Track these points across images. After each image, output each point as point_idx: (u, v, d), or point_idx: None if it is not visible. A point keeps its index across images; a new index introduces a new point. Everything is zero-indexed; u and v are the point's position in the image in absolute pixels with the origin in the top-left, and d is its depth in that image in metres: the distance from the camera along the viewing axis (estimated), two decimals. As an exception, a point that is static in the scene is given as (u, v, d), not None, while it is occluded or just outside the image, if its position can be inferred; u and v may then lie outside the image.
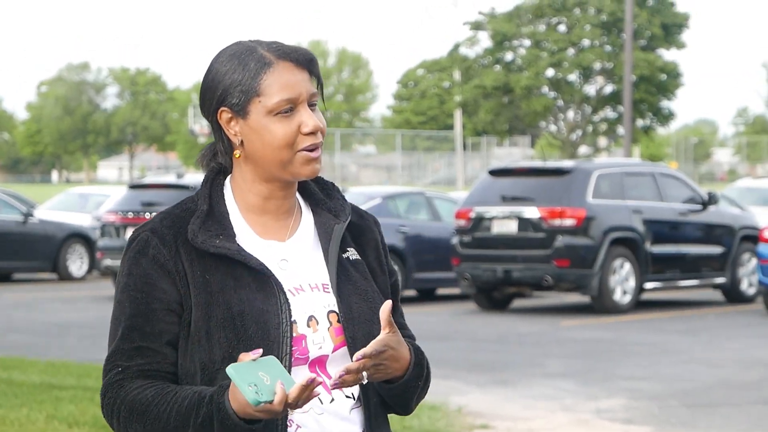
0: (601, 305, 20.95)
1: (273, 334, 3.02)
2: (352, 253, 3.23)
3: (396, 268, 22.24)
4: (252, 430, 2.93)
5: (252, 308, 3.03)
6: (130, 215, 24.41)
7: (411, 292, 24.04)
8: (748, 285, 23.02)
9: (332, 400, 3.09)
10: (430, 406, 11.70)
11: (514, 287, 21.74)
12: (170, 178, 26.02)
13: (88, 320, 20.06)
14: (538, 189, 21.21)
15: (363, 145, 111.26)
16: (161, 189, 25.00)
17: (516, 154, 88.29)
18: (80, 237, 28.71)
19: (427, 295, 24.51)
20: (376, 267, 3.27)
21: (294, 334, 3.05)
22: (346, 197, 3.35)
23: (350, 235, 3.25)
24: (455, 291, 23.98)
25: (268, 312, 3.03)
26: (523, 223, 20.96)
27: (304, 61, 3.13)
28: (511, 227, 21.11)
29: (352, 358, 3.04)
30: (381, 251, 3.30)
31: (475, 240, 21.37)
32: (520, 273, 20.92)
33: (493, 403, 12.46)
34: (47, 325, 19.34)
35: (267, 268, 3.08)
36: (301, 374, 3.02)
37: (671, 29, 73.00)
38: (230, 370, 2.85)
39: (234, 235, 3.10)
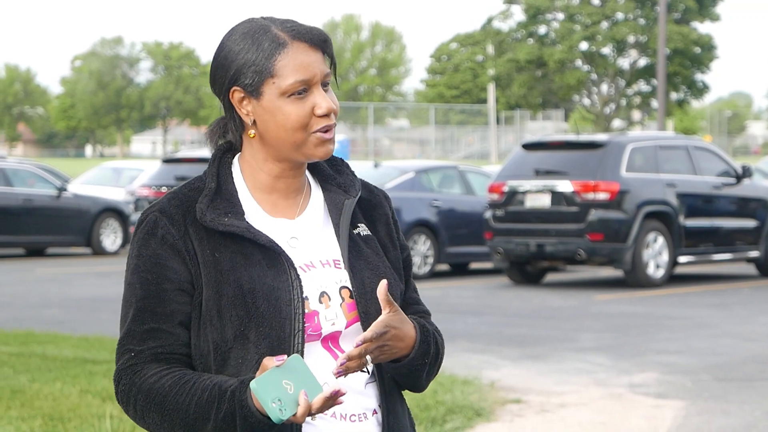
0: (635, 279, 20.92)
1: (285, 311, 3.01)
2: (363, 229, 3.20)
3: (429, 242, 22.41)
4: (273, 426, 2.92)
5: (263, 285, 3.01)
6: (164, 189, 24.47)
7: (444, 267, 24.04)
8: (782, 259, 22.95)
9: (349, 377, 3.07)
10: (463, 381, 11.70)
11: (547, 261, 21.72)
12: (204, 152, 26.04)
13: (121, 294, 20.09)
14: (571, 163, 21.17)
15: (396, 119, 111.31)
16: (195, 163, 25.07)
17: (549, 127, 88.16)
18: (114, 211, 28.78)
19: (459, 269, 24.51)
20: (387, 242, 3.24)
21: (306, 311, 3.03)
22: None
23: (361, 210, 3.23)
24: (488, 265, 23.98)
25: (279, 289, 3.02)
26: (557, 196, 20.93)
27: (319, 41, 3.09)
28: (544, 201, 21.08)
29: (363, 330, 3.05)
30: (392, 226, 3.27)
31: (508, 214, 21.35)
32: (553, 247, 20.90)
33: (526, 378, 12.45)
34: (81, 300, 19.40)
35: (277, 245, 3.06)
36: (315, 351, 3.04)
37: (705, 2, 72.69)
38: (254, 385, 2.84)
39: (243, 213, 3.07)
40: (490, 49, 78.44)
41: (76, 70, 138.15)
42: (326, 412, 2.98)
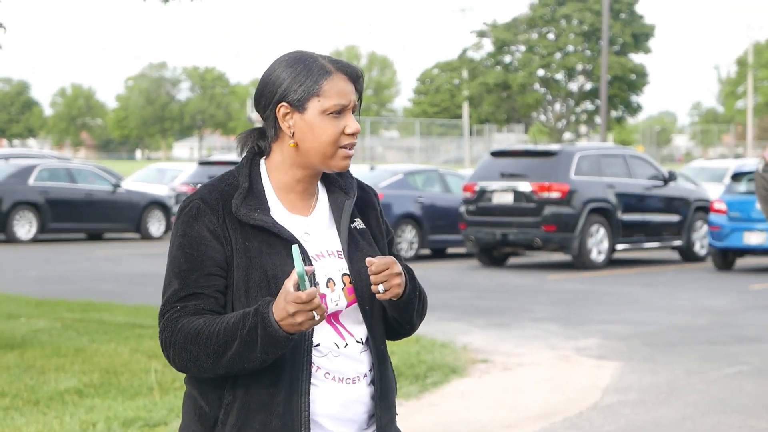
0: (580, 263, 20.92)
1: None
2: (358, 223, 3.20)
3: (414, 231, 22.38)
4: (290, 340, 2.90)
5: (284, 272, 3.00)
6: (199, 186, 24.46)
7: (426, 251, 24.03)
8: (700, 247, 22.97)
9: (346, 344, 3.08)
10: (441, 344, 11.70)
11: (510, 248, 21.71)
12: (232, 156, 26.05)
13: (164, 272, 20.09)
14: (530, 167, 21.15)
15: (388, 130, 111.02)
16: (224, 165, 25.11)
17: (512, 139, 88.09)
18: (159, 204, 28.76)
19: (439, 253, 24.50)
20: (377, 233, 3.24)
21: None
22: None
23: (357, 207, 3.23)
24: (462, 250, 23.98)
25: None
26: (518, 195, 20.92)
27: (355, 76, 3.12)
28: (508, 198, 21.06)
29: (361, 313, 3.09)
30: (380, 219, 3.27)
31: (479, 209, 21.34)
32: (514, 236, 20.89)
33: (492, 342, 12.45)
34: (131, 275, 19.39)
35: (296, 239, 3.05)
36: (322, 325, 3.04)
37: (640, 37, 72.76)
38: (296, 248, 2.85)
39: (269, 210, 3.06)
40: (465, 74, 78.38)
41: (129, 88, 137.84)
42: (327, 375, 3.01)
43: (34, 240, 26.92)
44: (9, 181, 26.73)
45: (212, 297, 3.01)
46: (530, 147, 22.37)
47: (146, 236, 28.49)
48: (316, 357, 3.03)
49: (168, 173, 34.96)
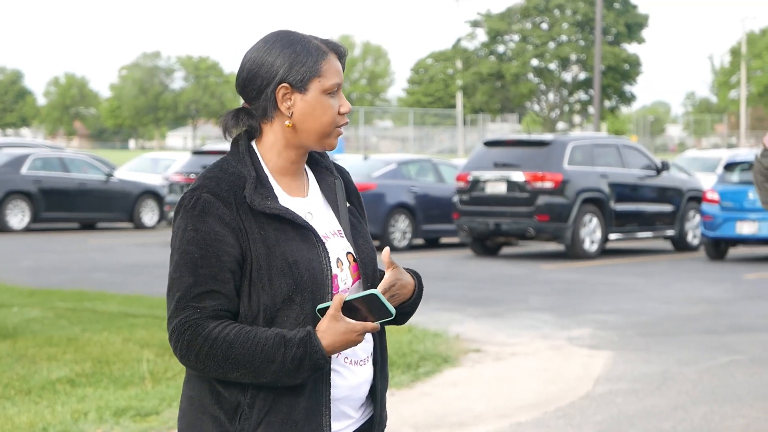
0: (574, 252, 20.92)
1: (320, 279, 3.01)
2: (347, 203, 3.24)
3: (408, 221, 22.39)
4: (327, 366, 2.97)
5: (302, 258, 3.00)
6: (193, 176, 24.46)
7: (419, 241, 24.02)
8: (692, 237, 22.98)
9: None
10: (434, 333, 11.70)
11: (503, 237, 21.71)
12: (225, 146, 25.97)
13: (157, 261, 20.08)
14: (523, 157, 21.14)
15: (382, 120, 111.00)
16: (218, 155, 25.04)
17: (506, 128, 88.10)
18: (152, 194, 28.73)
19: (432, 243, 24.49)
20: (358, 211, 3.26)
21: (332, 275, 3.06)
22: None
23: None
24: (455, 240, 23.97)
25: (313, 260, 3.01)
26: (511, 185, 20.91)
27: (343, 54, 3.15)
28: (501, 188, 21.06)
29: (363, 287, 3.12)
30: (359, 197, 3.30)
31: (472, 198, 21.33)
32: (508, 226, 20.89)
33: (485, 332, 12.45)
34: (124, 265, 19.37)
35: (309, 224, 3.05)
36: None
37: (633, 27, 72.78)
38: (376, 292, 2.93)
39: (277, 197, 3.06)
40: (459, 64, 78.39)
41: (122, 78, 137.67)
42: (345, 360, 3.08)
43: (27, 229, 26.89)
44: (2, 171, 26.69)
45: (228, 296, 2.97)
46: (523, 137, 22.35)
47: (139, 226, 28.47)
48: (334, 362, 3.08)
49: (161, 163, 34.92)
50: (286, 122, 3.05)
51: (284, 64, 3.04)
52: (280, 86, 3.04)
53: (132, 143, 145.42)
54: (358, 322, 2.94)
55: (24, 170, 26.95)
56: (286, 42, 3.07)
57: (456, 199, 21.62)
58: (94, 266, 19.02)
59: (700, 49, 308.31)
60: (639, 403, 9.08)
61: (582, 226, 20.90)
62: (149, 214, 28.67)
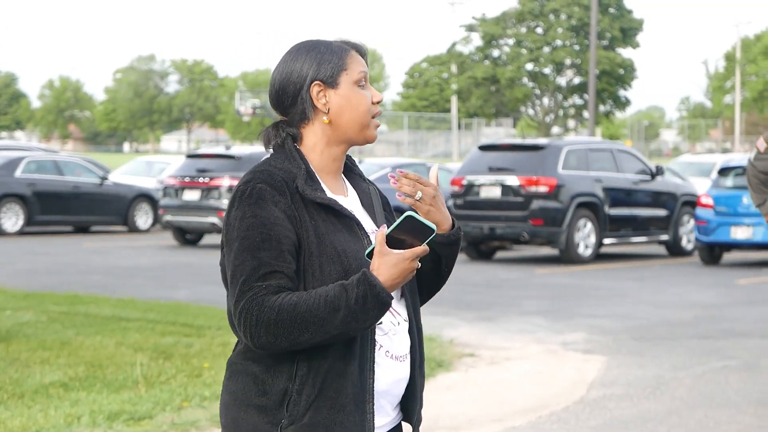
0: (568, 257, 20.92)
1: (366, 267, 3.07)
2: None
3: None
4: (390, 302, 3.00)
5: (350, 248, 3.10)
6: (187, 179, 24.40)
7: (414, 245, 23.97)
8: (687, 241, 22.99)
9: (398, 323, 3.18)
10: (428, 338, 11.68)
11: (498, 241, 21.70)
12: (220, 149, 25.95)
13: (151, 265, 20.07)
14: (518, 161, 21.14)
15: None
16: (212, 158, 25.01)
17: (501, 133, 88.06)
18: (146, 197, 28.70)
19: (426, 246, 24.44)
20: (389, 217, 3.37)
21: None
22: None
23: None
24: (450, 244, 23.92)
25: (359, 251, 3.10)
26: (506, 189, 20.91)
27: (364, 52, 3.27)
28: (495, 192, 21.06)
29: (400, 288, 3.17)
30: (389, 203, 3.42)
31: (467, 202, 21.33)
32: (502, 230, 20.89)
33: (479, 336, 12.44)
34: (118, 268, 19.34)
35: (355, 216, 3.17)
36: None
37: (628, 32, 72.87)
38: (411, 213, 3.00)
39: (324, 191, 3.15)
40: (454, 68, 78.46)
41: (117, 81, 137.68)
42: (387, 353, 3.13)
43: (21, 232, 26.86)
44: (-4, 174, 26.66)
45: (289, 277, 3.04)
46: (518, 141, 22.35)
47: (133, 229, 28.44)
48: (379, 335, 3.13)
49: (156, 166, 34.89)
50: (324, 119, 3.17)
51: (312, 66, 3.17)
52: (314, 84, 3.16)
53: (126, 146, 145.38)
54: (406, 249, 3.00)
55: (18, 173, 26.92)
56: (308, 47, 3.21)
57: (450, 203, 21.61)
58: (88, 270, 18.99)
59: (695, 53, 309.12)
60: (633, 407, 9.08)
61: (576, 231, 20.90)
62: (143, 218, 28.65)
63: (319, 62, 3.16)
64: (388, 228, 3.03)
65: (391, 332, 3.15)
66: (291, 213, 3.07)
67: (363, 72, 3.19)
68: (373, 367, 3.09)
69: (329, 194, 3.17)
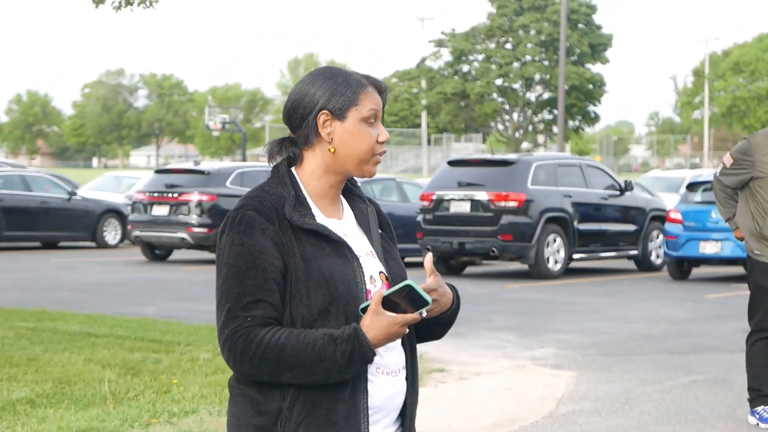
0: (537, 272, 20.97)
1: (354, 291, 3.18)
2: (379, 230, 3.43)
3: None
4: (372, 360, 3.11)
5: (338, 272, 3.18)
6: (156, 195, 24.34)
7: (383, 260, 23.98)
8: (656, 257, 23.09)
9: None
10: (397, 353, 11.67)
11: (467, 257, 21.74)
12: (189, 165, 25.90)
13: (120, 280, 20.00)
14: (487, 177, 21.18)
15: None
16: (181, 173, 24.94)
17: (470, 148, 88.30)
18: (115, 212, 28.60)
19: (396, 262, 24.44)
20: (391, 238, 3.46)
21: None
22: None
23: None
24: (419, 259, 23.97)
25: (348, 274, 3.18)
26: (475, 204, 20.95)
27: (382, 90, 3.33)
28: (465, 208, 21.09)
29: None
30: (389, 224, 3.49)
31: (436, 218, 21.36)
32: (471, 245, 20.92)
33: (449, 351, 12.44)
34: (86, 284, 19.26)
35: (345, 241, 3.23)
36: None
37: (597, 48, 73.18)
38: (411, 283, 3.10)
39: (314, 216, 3.24)
40: (423, 83, 78.57)
41: (86, 95, 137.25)
42: (378, 369, 3.22)
43: (-11, 248, 26.70)
44: (-37, 189, 26.50)
45: (274, 305, 3.14)
46: (487, 156, 22.40)
47: (102, 245, 28.33)
48: (370, 373, 3.23)
49: (124, 181, 34.79)
50: (329, 148, 3.24)
51: (325, 94, 3.25)
52: (321, 113, 3.25)
53: (95, 161, 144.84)
54: (399, 314, 3.10)
55: (-15, 188, 26.77)
56: (328, 75, 3.29)
57: (420, 218, 21.64)
58: (56, 285, 18.90)
59: (664, 69, 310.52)
60: (602, 422, 9.10)
61: (546, 246, 20.96)
62: (112, 233, 28.55)
63: (332, 92, 3.24)
64: (387, 290, 3.11)
65: (382, 348, 3.22)
66: (279, 240, 3.15)
67: (374, 110, 3.26)
68: (366, 385, 3.18)
69: (320, 218, 3.24)
